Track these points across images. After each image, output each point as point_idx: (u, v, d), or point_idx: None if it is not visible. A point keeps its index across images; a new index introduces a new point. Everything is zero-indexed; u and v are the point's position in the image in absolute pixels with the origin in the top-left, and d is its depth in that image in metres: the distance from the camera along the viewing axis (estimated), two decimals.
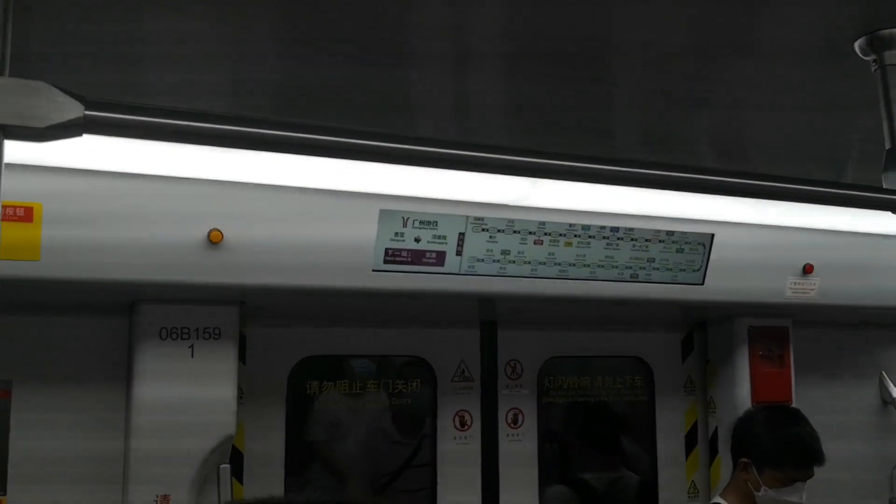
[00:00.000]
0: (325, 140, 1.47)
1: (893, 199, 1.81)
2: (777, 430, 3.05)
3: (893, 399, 4.36)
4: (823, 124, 2.55)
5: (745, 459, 3.08)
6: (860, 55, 1.88)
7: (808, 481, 3.07)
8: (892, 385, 4.39)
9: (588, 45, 1.93)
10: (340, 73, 2.08)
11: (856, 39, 1.85)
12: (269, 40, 1.90)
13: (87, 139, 1.18)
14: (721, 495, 3.19)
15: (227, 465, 2.84)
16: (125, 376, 2.91)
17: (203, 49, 1.90)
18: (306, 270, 2.72)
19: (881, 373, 4.44)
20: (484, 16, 1.78)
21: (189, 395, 2.78)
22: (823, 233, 3.46)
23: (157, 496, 2.71)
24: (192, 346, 2.81)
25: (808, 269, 3.50)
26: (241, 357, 3.14)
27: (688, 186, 1.93)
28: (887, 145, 1.86)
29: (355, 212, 2.75)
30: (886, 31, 1.81)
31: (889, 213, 1.93)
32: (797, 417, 3.14)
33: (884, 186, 1.84)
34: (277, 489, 3.22)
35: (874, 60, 1.86)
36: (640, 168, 1.85)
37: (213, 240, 2.56)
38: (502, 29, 1.86)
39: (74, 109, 1.11)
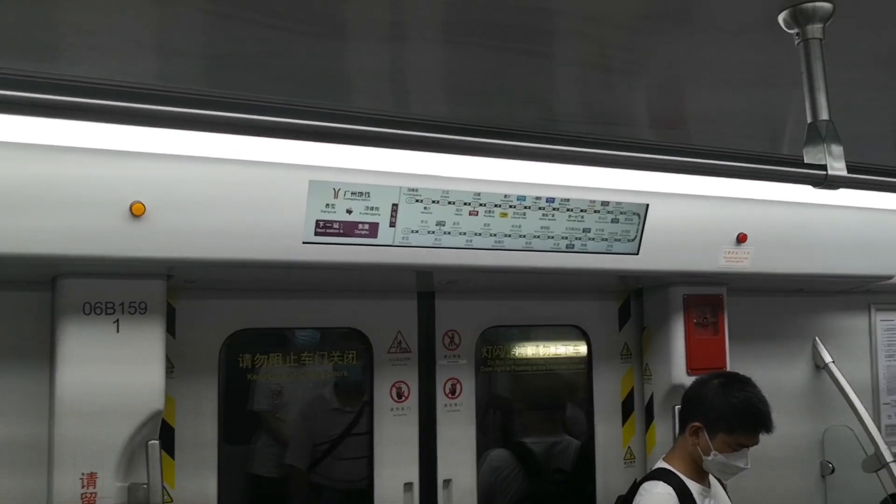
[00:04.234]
0: (230, 117, 1.42)
1: (813, 174, 1.82)
2: (732, 395, 3.08)
3: (826, 364, 4.44)
4: (755, 97, 2.56)
5: (696, 424, 3.11)
6: (784, 28, 1.88)
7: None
8: (825, 351, 4.48)
9: (525, 16, 1.90)
10: (270, 43, 2.02)
11: (780, 13, 1.85)
12: (195, 6, 1.83)
13: None
14: (665, 459, 3.22)
15: (156, 442, 2.79)
16: (48, 352, 2.83)
17: (126, 12, 1.83)
18: (234, 243, 2.67)
19: (815, 338, 4.53)
20: None
21: (115, 371, 2.72)
22: (756, 202, 3.49)
23: (82, 474, 2.66)
24: (117, 321, 2.74)
25: (741, 239, 3.53)
26: (171, 330, 3.09)
27: (620, 164, 1.92)
28: (809, 119, 1.86)
29: (284, 183, 2.69)
30: (809, 5, 1.81)
31: None
32: (749, 384, 3.17)
33: (805, 161, 1.85)
34: (210, 464, 3.18)
35: (797, 34, 1.86)
36: (577, 147, 1.84)
37: (136, 212, 2.49)
38: None
39: None
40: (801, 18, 1.83)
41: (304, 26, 1.90)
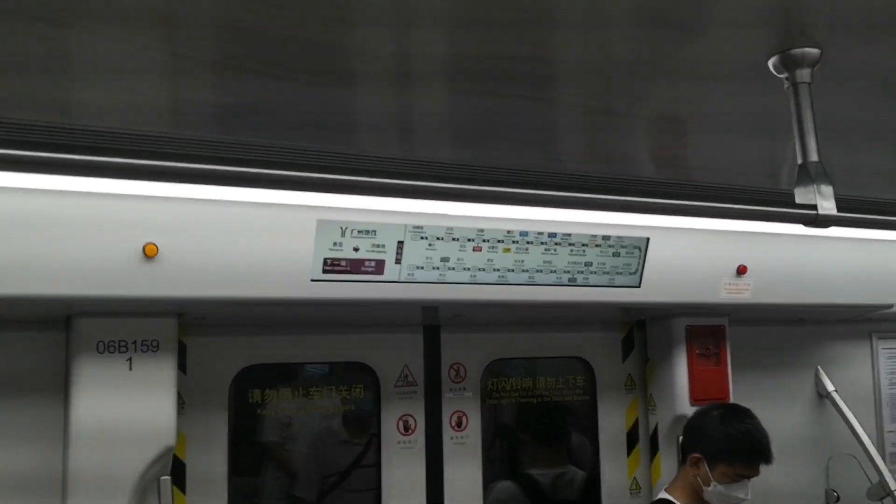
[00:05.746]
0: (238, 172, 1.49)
1: (804, 213, 1.88)
2: (731, 426, 3.12)
3: (829, 393, 4.47)
4: (750, 137, 2.63)
5: (696, 455, 3.14)
6: (774, 73, 1.95)
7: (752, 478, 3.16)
8: (827, 379, 4.51)
9: (528, 64, 1.97)
10: (279, 93, 2.09)
11: (769, 58, 1.92)
12: (206, 60, 1.90)
13: None
14: (667, 490, 3.25)
15: (168, 478, 2.84)
16: (63, 390, 2.89)
17: (136, 66, 1.90)
18: (244, 282, 2.73)
19: (817, 367, 4.56)
20: (426, 36, 1.81)
21: (128, 408, 2.77)
22: (755, 235, 3.54)
23: None
24: (130, 359, 2.80)
25: (741, 270, 3.59)
26: (182, 367, 3.15)
27: (619, 208, 1.99)
28: (799, 160, 1.93)
29: (292, 222, 2.76)
30: (798, 51, 1.88)
31: None
32: (749, 416, 3.21)
33: (796, 201, 1.91)
34: (220, 498, 3.22)
35: (787, 78, 1.93)
36: (579, 192, 1.90)
37: (149, 253, 2.56)
38: (444, 48, 1.88)
39: None
40: (790, 64, 1.90)
41: (311, 76, 1.98)
